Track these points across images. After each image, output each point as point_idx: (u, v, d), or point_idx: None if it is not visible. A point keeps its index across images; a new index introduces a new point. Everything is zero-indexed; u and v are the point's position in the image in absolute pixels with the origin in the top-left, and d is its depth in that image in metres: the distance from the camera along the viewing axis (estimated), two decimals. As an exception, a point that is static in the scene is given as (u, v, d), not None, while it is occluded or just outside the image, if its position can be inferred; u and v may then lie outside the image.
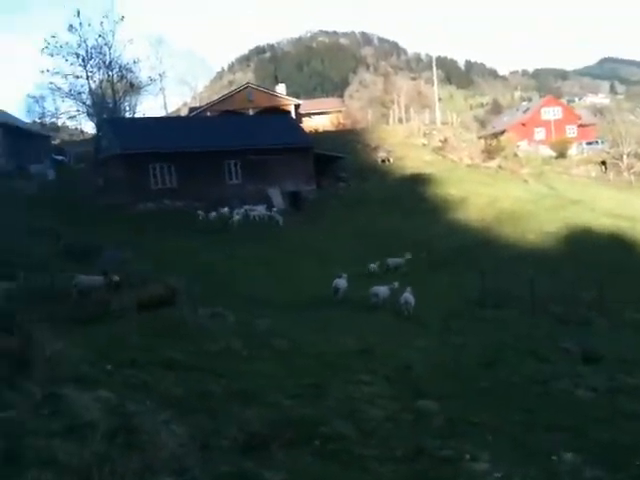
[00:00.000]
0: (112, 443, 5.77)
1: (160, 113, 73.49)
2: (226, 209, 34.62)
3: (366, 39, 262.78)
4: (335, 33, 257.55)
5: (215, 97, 73.77)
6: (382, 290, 18.90)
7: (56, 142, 68.29)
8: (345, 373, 11.09)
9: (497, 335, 16.83)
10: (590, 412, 9.82)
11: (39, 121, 70.03)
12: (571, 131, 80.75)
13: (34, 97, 72.56)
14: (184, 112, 74.11)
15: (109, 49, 49.98)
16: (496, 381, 11.50)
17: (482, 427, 8.63)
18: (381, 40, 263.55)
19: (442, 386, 10.79)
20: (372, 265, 25.07)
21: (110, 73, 50.92)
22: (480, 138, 62.04)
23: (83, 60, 49.17)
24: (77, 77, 49.65)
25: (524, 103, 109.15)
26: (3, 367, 7.42)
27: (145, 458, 5.14)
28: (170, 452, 5.67)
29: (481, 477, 6.68)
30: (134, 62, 51.84)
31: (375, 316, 17.81)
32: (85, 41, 48.98)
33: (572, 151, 69.40)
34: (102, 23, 48.98)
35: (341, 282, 19.89)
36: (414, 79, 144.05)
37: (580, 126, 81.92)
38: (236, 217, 33.52)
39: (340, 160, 44.08)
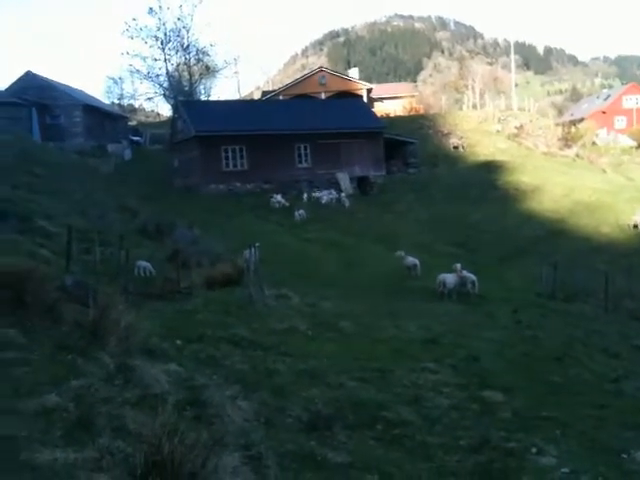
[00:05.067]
0: (181, 415, 5.90)
1: (234, 96, 74.47)
2: (297, 193, 34.89)
3: (442, 23, 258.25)
4: (411, 17, 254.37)
5: (288, 81, 74.15)
6: (449, 278, 18.58)
7: (133, 123, 70.26)
8: (411, 360, 10.97)
9: (568, 329, 16.30)
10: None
11: (117, 102, 72.45)
12: (655, 120, 76.78)
13: (113, 78, 75.30)
14: (257, 96, 74.76)
15: (187, 32, 50.97)
16: (566, 376, 11.12)
17: (550, 421, 8.37)
18: (457, 24, 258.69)
19: (510, 378, 10.52)
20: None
21: (187, 56, 51.93)
22: (558, 125, 59.92)
23: (162, 43, 50.38)
24: (155, 60, 50.92)
25: (605, 90, 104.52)
26: (79, 337, 7.68)
27: (213, 432, 5.22)
28: (237, 427, 5.76)
29: (548, 472, 6.48)
30: (211, 45, 52.70)
31: (443, 305, 17.54)
32: (164, 24, 50.16)
33: (655, 141, 65.90)
34: (181, 6, 50.00)
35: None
36: (490, 64, 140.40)
37: (664, 115, 77.80)
38: (305, 201, 33.65)
39: (411, 145, 43.49)
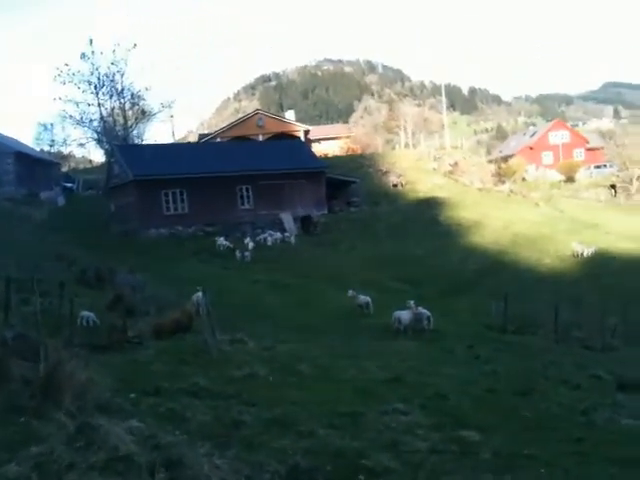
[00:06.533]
0: (155, 479, 5.36)
1: (168, 140, 73.67)
2: (241, 234, 34.46)
3: (370, 67, 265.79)
4: (340, 61, 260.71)
5: (222, 124, 74.11)
6: (405, 314, 18.45)
7: (64, 170, 68.48)
8: (378, 401, 10.58)
9: (524, 362, 16.36)
10: (642, 442, 9.29)
11: (48, 149, 70.49)
12: (579, 155, 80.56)
13: (44, 125, 73.40)
14: (192, 139, 74.30)
15: (121, 76, 50.32)
16: (536, 411, 10.96)
17: (533, 460, 8.10)
18: (385, 67, 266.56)
19: (482, 416, 10.26)
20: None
21: (122, 100, 51.18)
22: (490, 162, 61.89)
23: (95, 87, 49.59)
24: (89, 105, 50.01)
25: (531, 127, 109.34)
26: (29, 396, 7.03)
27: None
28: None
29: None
30: (146, 89, 52.14)
31: (399, 342, 17.31)
32: (97, 69, 49.42)
33: (580, 175, 68.97)
34: (114, 51, 49.39)
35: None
36: (419, 106, 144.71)
37: (588, 150, 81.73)
38: (250, 243, 33.15)
39: (352, 184, 43.91)
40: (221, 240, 33.18)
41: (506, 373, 14.33)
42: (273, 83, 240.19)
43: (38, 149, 67.62)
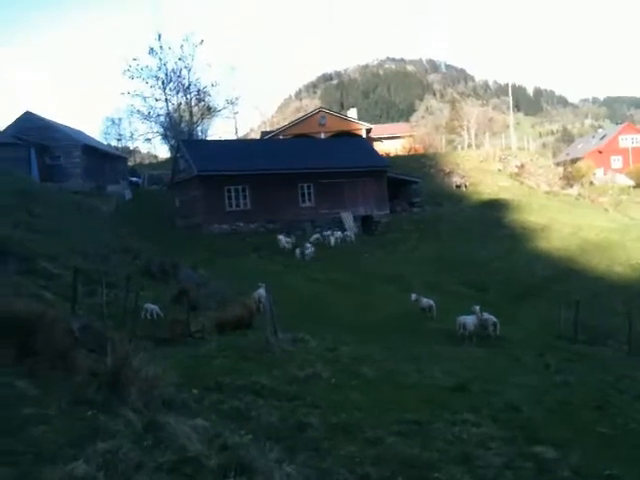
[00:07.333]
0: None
1: (231, 137, 74.55)
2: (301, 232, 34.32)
3: (433, 66, 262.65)
4: (402, 60, 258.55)
5: (284, 122, 74.38)
6: (469, 319, 17.87)
7: (130, 164, 70.24)
8: (445, 410, 10.18)
9: (597, 374, 15.58)
10: None
11: (116, 143, 72.46)
12: (650, 159, 77.29)
13: (112, 119, 75.50)
14: (254, 136, 74.86)
15: (188, 72, 50.99)
16: (613, 427, 10.34)
17: (616, 481, 7.60)
18: (448, 67, 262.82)
19: (556, 430, 9.72)
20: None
21: (188, 96, 51.87)
22: (557, 165, 60.04)
23: (162, 83, 50.38)
24: (156, 100, 50.83)
25: (600, 130, 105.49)
26: (96, 389, 6.95)
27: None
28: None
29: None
30: (212, 85, 52.62)
31: (464, 348, 16.77)
32: (165, 64, 50.22)
33: (652, 180, 66.00)
34: (182, 46, 50.13)
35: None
36: (482, 106, 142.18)
37: (661, 154, 78.31)
38: (310, 242, 32.97)
39: (414, 184, 43.23)
40: (283, 237, 33.14)
41: (578, 385, 13.66)
42: (335, 82, 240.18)
43: (105, 143, 69.53)
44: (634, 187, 61.80)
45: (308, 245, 31.87)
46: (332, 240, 33.51)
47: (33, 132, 43.67)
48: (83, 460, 4.83)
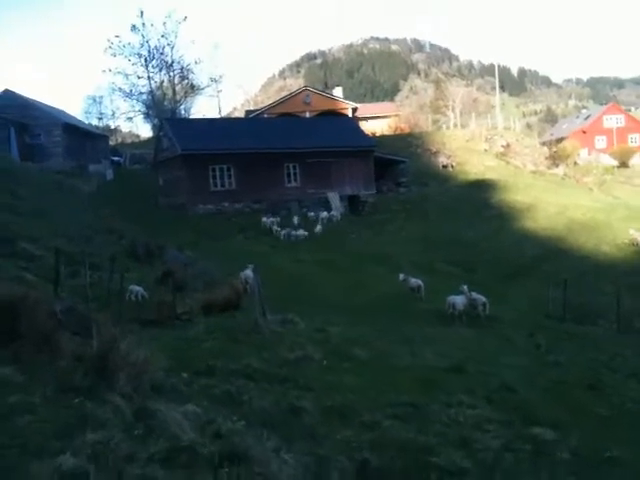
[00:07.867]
0: (218, 474, 4.91)
1: (215, 115, 73.58)
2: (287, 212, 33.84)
3: (417, 45, 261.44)
4: (387, 39, 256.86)
5: (268, 101, 73.55)
6: (459, 299, 17.73)
7: (112, 143, 69.21)
8: (440, 392, 10.02)
9: (588, 353, 15.57)
10: None
11: (97, 122, 71.25)
12: (634, 140, 77.74)
13: (93, 97, 74.19)
14: (238, 115, 73.99)
15: (171, 49, 50.03)
16: (610, 407, 10.26)
17: (617, 463, 7.47)
18: (433, 46, 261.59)
19: (552, 411, 9.63)
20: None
21: (171, 74, 50.93)
22: (543, 145, 60.03)
23: (145, 60, 49.35)
24: (139, 77, 49.87)
25: (584, 110, 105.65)
26: (82, 375, 6.64)
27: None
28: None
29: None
30: (195, 63, 51.68)
31: (454, 328, 16.65)
32: (148, 41, 49.18)
33: (635, 160, 66.39)
34: (165, 23, 49.14)
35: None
36: (467, 86, 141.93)
37: (644, 135, 78.81)
38: (297, 221, 32.52)
39: (401, 164, 42.91)
40: (269, 218, 32.70)
41: (570, 364, 13.62)
42: (319, 61, 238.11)
43: (87, 122, 68.37)
44: (618, 167, 62.13)
45: (294, 226, 31.43)
46: (318, 227, 31.87)
47: (12, 110, 42.68)
48: (70, 452, 4.56)
